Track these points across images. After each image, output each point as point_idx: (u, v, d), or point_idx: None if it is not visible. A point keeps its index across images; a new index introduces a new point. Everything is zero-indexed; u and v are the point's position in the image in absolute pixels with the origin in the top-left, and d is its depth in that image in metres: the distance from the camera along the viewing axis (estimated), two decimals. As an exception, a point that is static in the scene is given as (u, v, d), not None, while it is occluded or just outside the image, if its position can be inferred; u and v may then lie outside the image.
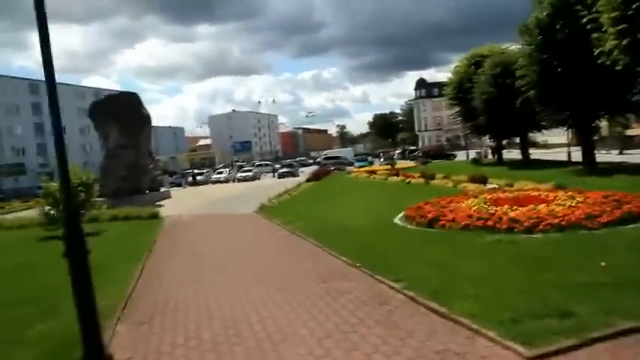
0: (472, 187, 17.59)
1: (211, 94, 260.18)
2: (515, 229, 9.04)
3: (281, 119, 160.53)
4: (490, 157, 37.89)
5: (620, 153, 41.05)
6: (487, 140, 49.89)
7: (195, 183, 53.45)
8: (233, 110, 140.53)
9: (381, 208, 14.41)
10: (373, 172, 32.53)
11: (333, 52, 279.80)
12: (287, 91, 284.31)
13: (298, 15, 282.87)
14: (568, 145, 37.80)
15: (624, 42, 13.72)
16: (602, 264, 6.08)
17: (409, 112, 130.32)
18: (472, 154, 51.02)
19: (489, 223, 9.45)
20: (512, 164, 29.58)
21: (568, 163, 28.01)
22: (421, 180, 22.52)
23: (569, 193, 12.25)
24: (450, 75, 35.45)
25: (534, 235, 8.69)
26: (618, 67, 15.56)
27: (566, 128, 22.67)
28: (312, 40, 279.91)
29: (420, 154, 63.19)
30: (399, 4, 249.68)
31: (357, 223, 11.96)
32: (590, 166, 21.64)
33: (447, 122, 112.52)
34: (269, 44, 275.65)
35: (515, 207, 10.72)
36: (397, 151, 78.92)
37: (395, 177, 26.89)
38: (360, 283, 6.78)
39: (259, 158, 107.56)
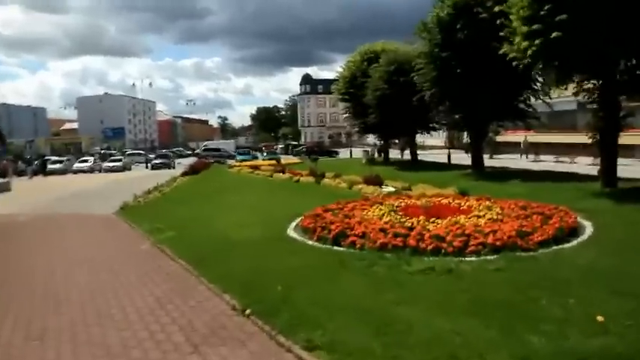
0: (369, 189, 16.00)
1: (81, 74, 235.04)
2: (443, 250, 7.29)
3: (159, 106, 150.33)
4: (376, 156, 37.35)
5: (491, 157, 42.97)
6: (373, 139, 50.21)
7: (45, 172, 44.30)
8: (105, 93, 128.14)
9: (270, 213, 12.05)
10: (257, 167, 30.12)
11: (216, 41, 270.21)
12: (167, 78, 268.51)
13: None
14: (448, 147, 38.98)
15: (535, 43, 12.85)
16: (599, 319, 4.35)
17: (293, 107, 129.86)
18: (356, 152, 50.83)
19: (411, 241, 7.58)
20: (400, 164, 29.01)
21: (451, 165, 28.20)
22: (311, 179, 20.62)
23: (484, 202, 10.98)
24: (340, 70, 34.21)
25: (468, 259, 6.99)
26: (520, 68, 14.87)
27: (459, 130, 22.24)
28: (196, 27, 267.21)
29: (304, 149, 62.04)
30: (284, 1, 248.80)
31: (243, 233, 9.47)
32: (479, 170, 21.40)
33: (330, 119, 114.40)
34: (150, 26, 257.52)
35: (432, 219, 9.07)
36: (280, 146, 77.28)
37: (281, 174, 24.73)
38: (252, 350, 4.36)
39: (132, 146, 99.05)
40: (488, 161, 34.32)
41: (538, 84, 19.80)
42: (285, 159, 43.32)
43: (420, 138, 38.24)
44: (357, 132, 35.26)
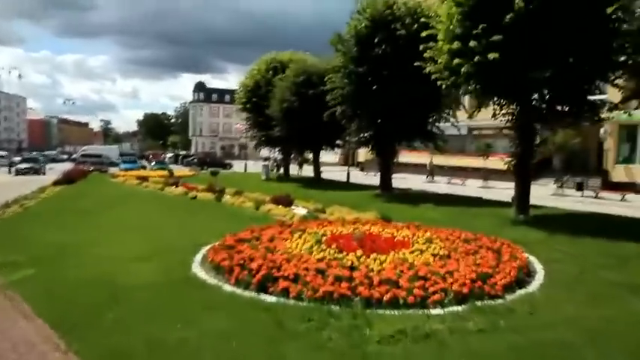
0: (278, 210, 14.27)
1: None
2: (402, 300, 5.80)
3: (31, 103, 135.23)
4: (274, 171, 35.70)
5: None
6: (269, 153, 48.14)
7: None
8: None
9: (168, 240, 9.80)
10: (145, 178, 26.92)
11: (103, 39, 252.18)
12: (43, 73, 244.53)
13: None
14: (342, 164, 38.37)
15: (472, 62, 12.14)
16: None
17: (183, 114, 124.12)
18: (250, 165, 48.74)
19: (361, 289, 5.98)
20: (303, 182, 27.58)
21: (352, 184, 27.48)
22: (209, 195, 18.37)
23: (418, 231, 9.78)
24: (242, 78, 32.11)
25: (433, 312, 5.58)
26: (444, 89, 14.28)
27: (369, 149, 21.39)
28: (80, 20, 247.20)
29: (195, 160, 58.49)
30: (183, 3, 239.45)
31: (134, 272, 7.19)
32: (387, 191, 20.68)
33: (223, 129, 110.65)
34: (24, 12, 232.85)
35: (372, 254, 7.59)
36: (169, 155, 72.44)
37: (174, 187, 22.06)
38: None
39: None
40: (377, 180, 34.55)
41: (451, 106, 19.63)
42: (176, 170, 40.00)
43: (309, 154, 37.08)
44: (257, 145, 33.27)
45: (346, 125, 21.44)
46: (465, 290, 6.09)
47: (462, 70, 12.43)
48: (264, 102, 28.49)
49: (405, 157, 44.60)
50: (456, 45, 12.57)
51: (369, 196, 20.02)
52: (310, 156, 34.20)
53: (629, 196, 23.07)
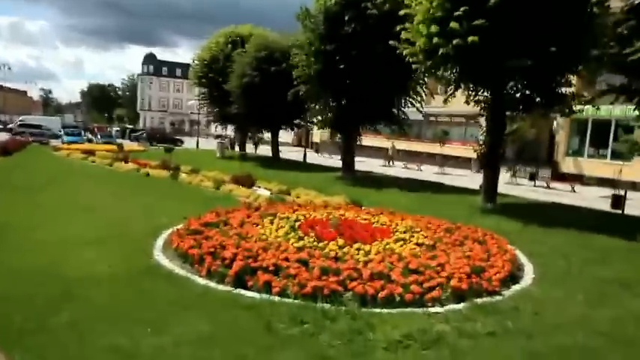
0: (240, 191, 13.42)
1: None
2: (398, 297, 5.23)
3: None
4: (229, 149, 34.35)
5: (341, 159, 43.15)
6: (222, 130, 46.30)
7: None
8: None
9: (123, 222, 8.81)
10: (91, 152, 25.15)
11: (42, 2, 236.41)
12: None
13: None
14: (295, 145, 37.24)
15: (450, 45, 11.62)
16: None
17: (131, 87, 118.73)
18: (203, 142, 47.01)
19: (353, 284, 5.36)
20: (260, 161, 26.58)
21: (311, 165, 26.85)
22: (163, 172, 17.21)
23: (396, 218, 9.25)
24: (199, 52, 30.38)
25: (432, 310, 5.06)
26: (419, 72, 13.83)
27: (332, 130, 20.73)
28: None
29: (144, 135, 55.88)
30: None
31: (85, 261, 6.25)
32: (350, 174, 20.17)
33: (173, 104, 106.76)
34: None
35: (356, 243, 7.01)
36: (115, 129, 68.89)
37: (123, 163, 20.64)
38: None
39: None
40: (336, 162, 34.10)
41: (419, 90, 19.25)
42: (125, 145, 37.93)
43: (266, 134, 35.97)
44: (211, 121, 31.85)
45: (309, 105, 20.70)
46: (464, 286, 5.60)
47: (440, 51, 11.91)
48: (222, 77, 27.17)
49: (363, 140, 44.42)
50: (434, 28, 12.01)
51: (331, 178, 19.45)
52: (266, 135, 33.31)
53: (577, 187, 23.71)
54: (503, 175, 30.94)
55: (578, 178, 27.51)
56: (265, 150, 35.65)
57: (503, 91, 13.92)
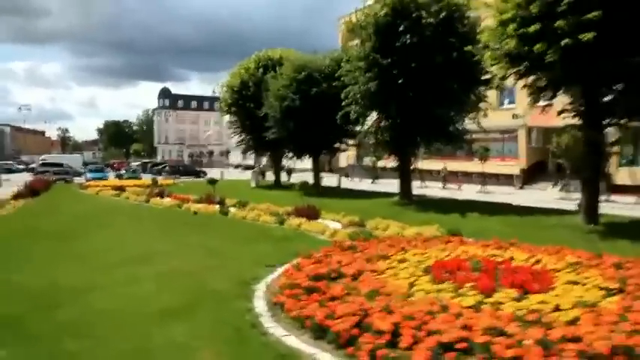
0: (311, 226, 11.54)
1: None
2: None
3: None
4: (260, 178, 32.58)
5: (373, 182, 41.52)
6: (241, 159, 44.85)
7: None
8: None
9: (195, 277, 6.99)
10: (121, 188, 23.63)
11: (56, 45, 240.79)
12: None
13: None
14: (328, 170, 35.36)
15: (561, 44, 9.80)
16: None
17: (146, 122, 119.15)
18: (225, 172, 45.42)
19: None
20: (303, 189, 24.65)
21: (352, 191, 24.97)
22: (209, 208, 15.45)
23: (544, 255, 7.26)
24: (222, 81, 29.03)
25: None
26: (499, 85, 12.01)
27: (388, 154, 18.97)
28: (30, 27, 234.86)
29: (167, 168, 54.75)
30: (136, 9, 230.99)
31: (179, 348, 4.41)
32: (408, 199, 18.26)
33: (190, 137, 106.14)
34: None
35: (507, 290, 5.12)
36: (135, 163, 68.03)
37: (159, 199, 18.99)
38: None
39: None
40: (369, 186, 32.21)
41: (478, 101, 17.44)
42: (147, 180, 36.57)
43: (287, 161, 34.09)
44: (245, 150, 30.37)
45: (356, 126, 19.02)
46: None
47: (547, 56, 10.06)
48: (253, 103, 25.67)
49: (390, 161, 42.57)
50: (533, 28, 10.21)
51: (388, 204, 17.54)
52: (294, 164, 31.73)
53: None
54: (551, 190, 28.99)
55: (637, 190, 25.33)
56: (297, 177, 33.96)
57: (599, 97, 12.06)
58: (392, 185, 29.30)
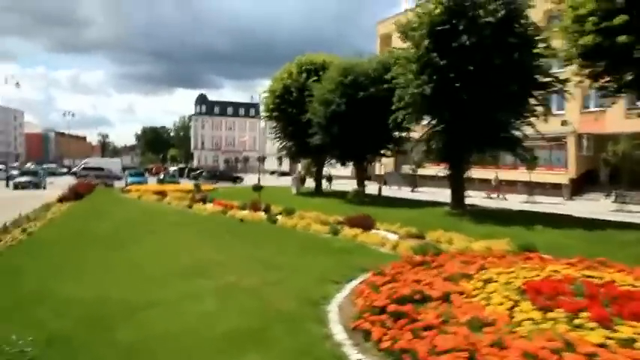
0: (369, 238, 10.79)
1: None
2: None
3: (28, 118, 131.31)
4: (300, 185, 31.99)
5: (412, 191, 40.51)
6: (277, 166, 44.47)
7: None
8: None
9: (256, 293, 6.38)
10: (163, 193, 23.46)
11: (97, 54, 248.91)
12: (38, 88, 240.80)
13: (59, 4, 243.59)
14: (363, 178, 34.29)
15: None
16: None
17: (183, 128, 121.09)
18: (262, 178, 45.06)
19: None
20: (341, 197, 23.93)
21: (398, 199, 24.04)
22: (255, 215, 14.93)
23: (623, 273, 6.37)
24: (269, 85, 28.61)
25: None
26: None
27: (439, 162, 18.07)
28: (74, 37, 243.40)
29: (204, 173, 55.07)
30: (172, 18, 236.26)
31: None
32: (461, 208, 17.32)
33: (226, 143, 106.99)
34: (15, 29, 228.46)
35: (630, 322, 4.28)
36: (172, 168, 68.80)
37: (202, 204, 18.63)
38: None
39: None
40: (410, 195, 31.16)
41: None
42: (186, 184, 36.60)
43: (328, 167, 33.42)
44: (288, 155, 29.95)
45: (404, 131, 18.23)
46: None
47: (635, 51, 9.13)
48: (295, 108, 25.19)
49: (431, 169, 41.41)
50: (619, 19, 9.30)
51: (440, 214, 16.64)
52: (333, 171, 31.09)
53: None
54: (604, 201, 27.31)
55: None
56: (338, 186, 33.32)
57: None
58: (433, 194, 28.32)
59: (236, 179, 53.29)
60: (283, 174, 69.03)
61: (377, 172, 50.24)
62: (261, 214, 14.79)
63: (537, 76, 15.88)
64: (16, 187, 33.42)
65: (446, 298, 5.41)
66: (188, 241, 10.65)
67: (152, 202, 21.05)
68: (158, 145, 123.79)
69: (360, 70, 21.22)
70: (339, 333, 4.89)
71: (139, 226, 13.17)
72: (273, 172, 72.33)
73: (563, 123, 31.23)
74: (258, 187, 19.77)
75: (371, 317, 4.89)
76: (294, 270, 7.58)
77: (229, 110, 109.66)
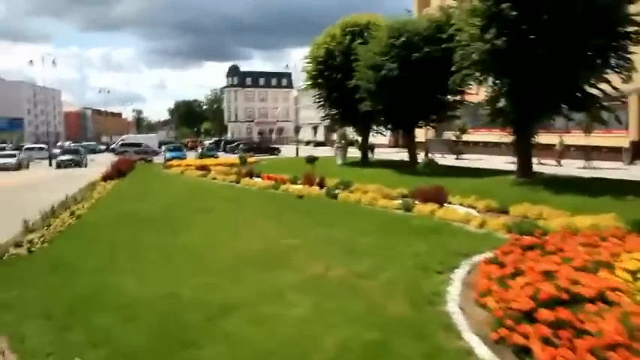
0: (453, 215, 9.53)
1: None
2: None
3: (65, 97, 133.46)
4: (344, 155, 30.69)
5: (457, 158, 38.78)
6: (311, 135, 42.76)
7: None
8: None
9: (349, 287, 5.34)
10: (206, 168, 22.70)
11: (127, 31, 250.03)
12: (72, 67, 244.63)
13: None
14: (402, 146, 32.77)
15: None
16: None
17: (215, 101, 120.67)
18: (293, 149, 44.10)
19: None
20: (391, 167, 22.61)
21: (451, 168, 22.57)
22: (311, 190, 13.86)
23: None
24: (309, 49, 27.07)
25: None
26: None
27: (503, 125, 16.45)
28: (104, 15, 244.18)
29: (241, 146, 54.44)
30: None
31: None
32: (528, 176, 15.83)
33: (259, 114, 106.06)
34: (48, 9, 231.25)
35: None
36: (208, 142, 68.53)
37: (249, 179, 17.74)
38: None
39: (33, 140, 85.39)
40: (453, 162, 29.53)
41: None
42: (225, 158, 35.95)
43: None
44: (332, 124, 28.68)
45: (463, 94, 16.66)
46: None
47: None
48: (340, 73, 23.71)
49: (476, 135, 39.44)
50: None
51: (508, 182, 15.21)
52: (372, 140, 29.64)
53: None
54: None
55: None
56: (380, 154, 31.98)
57: None
58: (480, 161, 26.65)
59: (274, 151, 52.53)
60: (319, 144, 67.87)
61: (417, 139, 48.43)
62: (317, 189, 13.73)
63: (622, 28, 13.99)
64: (59, 165, 33.46)
65: (598, 297, 4.22)
66: (249, 221, 9.68)
67: (196, 177, 20.30)
68: (191, 119, 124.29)
69: (412, 29, 19.55)
70: (476, 347, 3.81)
71: (190, 204, 12.33)
72: (308, 143, 71.27)
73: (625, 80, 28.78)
74: (311, 159, 18.63)
75: (520, 327, 3.78)
76: (382, 256, 6.51)
77: (261, 81, 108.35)
